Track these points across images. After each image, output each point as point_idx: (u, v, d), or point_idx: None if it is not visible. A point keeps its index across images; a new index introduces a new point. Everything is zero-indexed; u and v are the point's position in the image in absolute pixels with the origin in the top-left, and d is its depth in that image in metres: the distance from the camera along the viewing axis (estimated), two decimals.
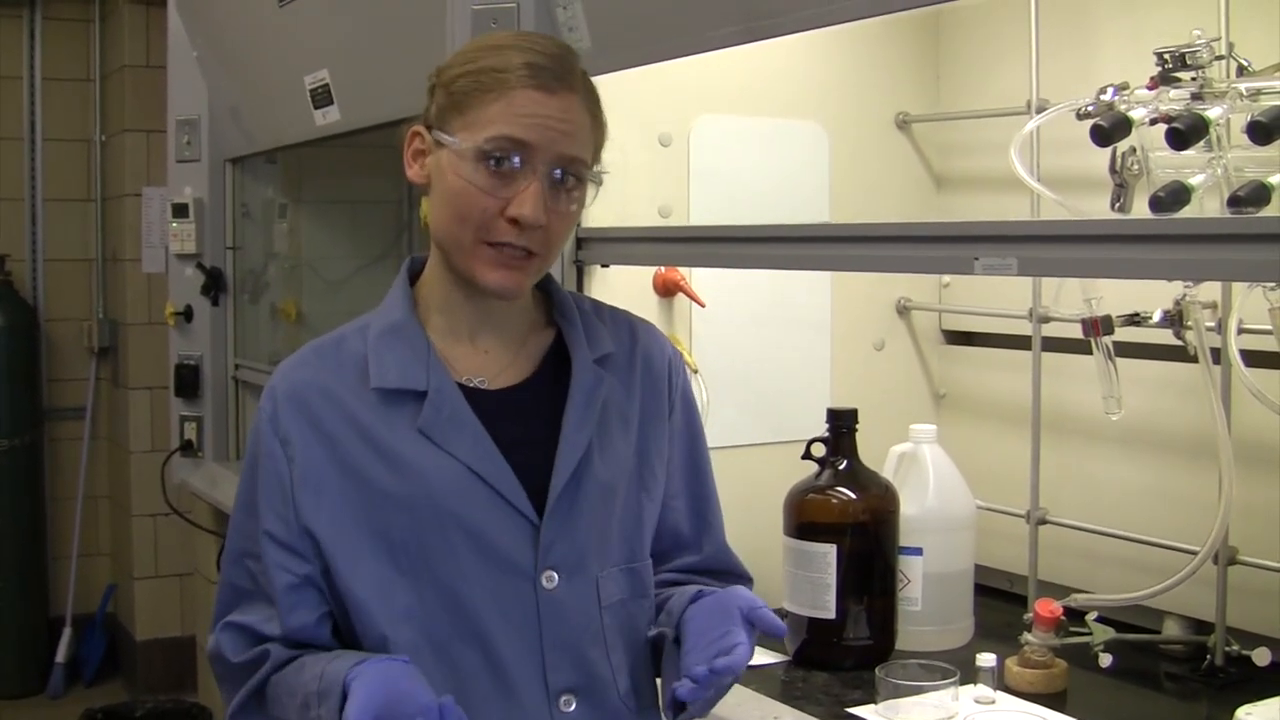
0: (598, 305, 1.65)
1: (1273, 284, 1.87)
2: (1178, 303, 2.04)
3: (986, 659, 1.98)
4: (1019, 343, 2.46)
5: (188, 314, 4.01)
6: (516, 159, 1.43)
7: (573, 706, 1.48)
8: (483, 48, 1.50)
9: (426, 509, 1.45)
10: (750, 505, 2.29)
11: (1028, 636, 2.11)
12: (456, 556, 1.44)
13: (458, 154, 1.45)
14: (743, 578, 1.66)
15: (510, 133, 1.43)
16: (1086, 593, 2.18)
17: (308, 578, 1.46)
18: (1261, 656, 2.02)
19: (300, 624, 1.47)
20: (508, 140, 1.43)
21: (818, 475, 2.20)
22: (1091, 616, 2.12)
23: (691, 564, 1.62)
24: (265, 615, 1.47)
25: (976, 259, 1.63)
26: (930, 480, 2.29)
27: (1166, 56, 1.83)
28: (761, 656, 2.20)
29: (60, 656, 5.28)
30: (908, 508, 2.23)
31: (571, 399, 1.52)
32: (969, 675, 1.97)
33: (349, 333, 1.54)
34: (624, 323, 1.64)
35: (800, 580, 2.16)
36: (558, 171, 1.45)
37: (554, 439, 1.50)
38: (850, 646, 2.14)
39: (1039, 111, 2.19)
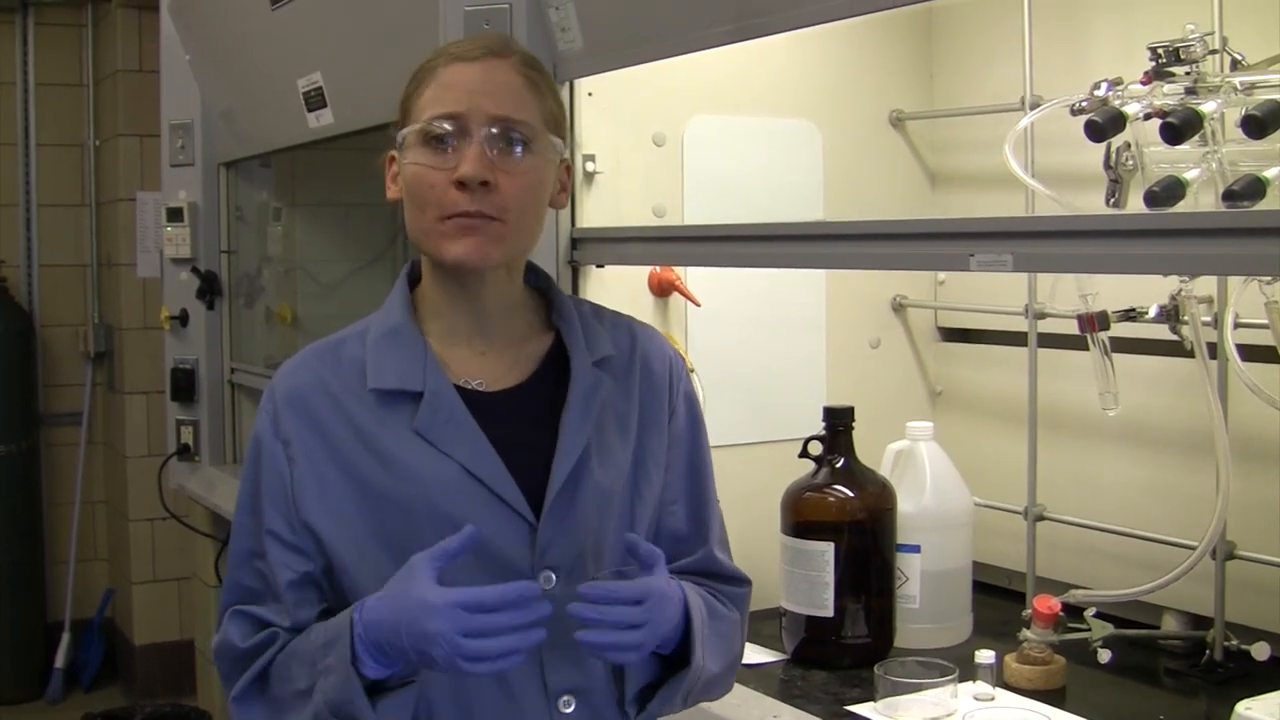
0: (598, 309, 1.64)
1: (1268, 278, 1.87)
2: (1173, 298, 2.04)
3: (985, 656, 1.99)
4: (1015, 339, 2.46)
5: (183, 318, 4.01)
6: (451, 129, 1.46)
7: (572, 708, 1.48)
8: (424, 58, 1.55)
9: (423, 510, 1.45)
10: (747, 504, 2.29)
11: (1026, 633, 2.11)
12: None
13: (406, 145, 1.49)
14: (735, 579, 1.64)
15: (440, 108, 1.47)
16: (1085, 589, 2.18)
17: (308, 575, 1.48)
18: (1260, 651, 2.02)
19: (305, 618, 1.48)
20: (439, 115, 1.47)
21: (815, 474, 2.20)
22: (1090, 612, 2.12)
23: (683, 566, 1.61)
24: (275, 610, 1.49)
25: (972, 256, 1.63)
26: (927, 478, 2.29)
27: (1160, 51, 1.83)
28: (760, 655, 2.20)
29: (59, 662, 5.27)
30: (905, 505, 2.23)
31: (570, 401, 1.52)
32: (968, 672, 1.97)
33: (348, 336, 1.56)
34: (624, 326, 1.63)
35: (798, 579, 2.16)
36: (495, 131, 1.46)
37: (552, 441, 1.49)
38: (848, 645, 2.14)
39: (1033, 108, 2.19)
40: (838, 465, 2.19)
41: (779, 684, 2.09)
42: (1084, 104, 1.91)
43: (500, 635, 1.32)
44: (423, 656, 1.35)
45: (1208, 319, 2.02)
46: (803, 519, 2.18)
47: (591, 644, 1.37)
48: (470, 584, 1.39)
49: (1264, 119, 1.58)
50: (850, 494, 2.17)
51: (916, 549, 2.24)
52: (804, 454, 2.21)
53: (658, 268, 2.44)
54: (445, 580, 1.39)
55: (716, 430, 2.37)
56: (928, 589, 2.24)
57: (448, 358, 1.52)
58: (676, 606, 1.46)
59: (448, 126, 1.46)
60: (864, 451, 2.23)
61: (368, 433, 1.48)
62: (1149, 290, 2.08)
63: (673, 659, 1.50)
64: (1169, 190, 1.69)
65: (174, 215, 3.98)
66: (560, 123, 1.55)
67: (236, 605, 1.51)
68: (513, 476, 1.47)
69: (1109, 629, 2.10)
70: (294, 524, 1.48)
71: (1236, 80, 1.78)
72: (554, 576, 1.46)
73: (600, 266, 2.38)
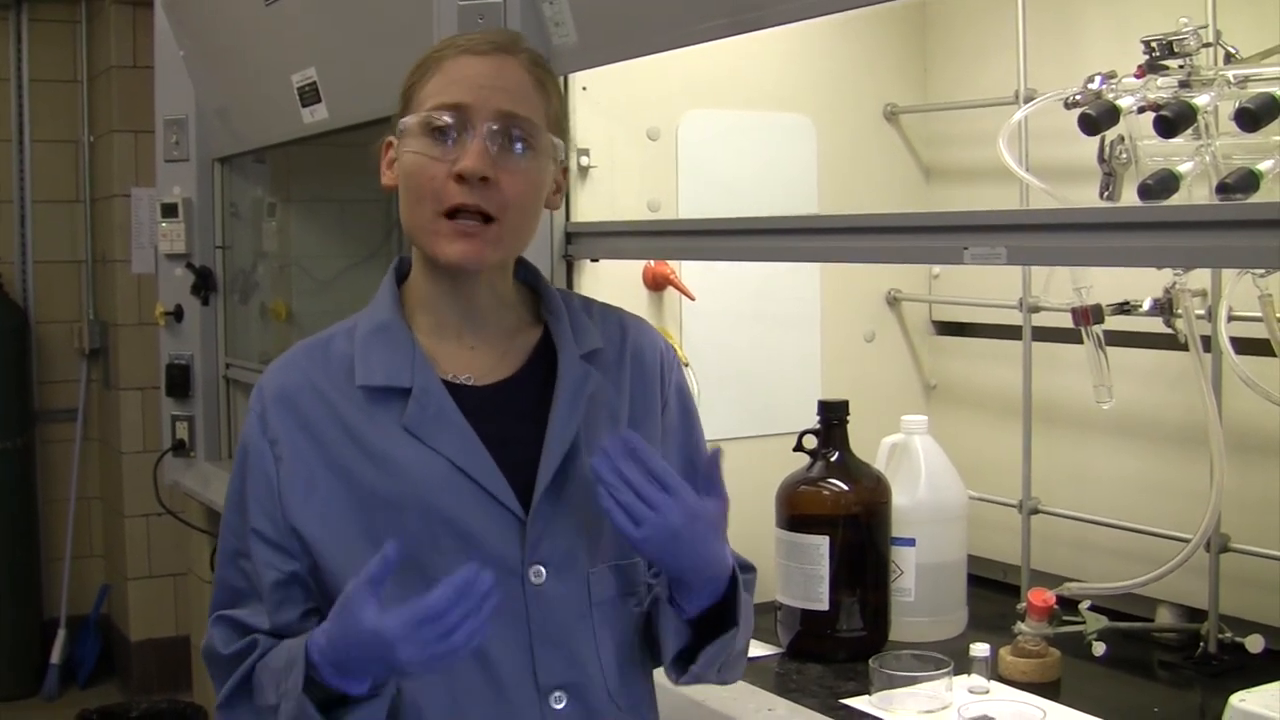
0: (588, 302, 1.64)
1: (1262, 271, 1.87)
2: (1167, 291, 2.04)
3: (980, 649, 1.99)
4: (1009, 333, 2.46)
5: (178, 314, 4.01)
6: (455, 120, 1.45)
7: (563, 704, 1.47)
8: (430, 48, 1.54)
9: (413, 506, 1.45)
10: (742, 498, 2.27)
11: (1021, 626, 2.11)
12: (444, 553, 1.43)
13: (407, 133, 1.48)
14: (741, 566, 1.63)
15: (445, 99, 1.46)
16: (1079, 582, 2.19)
17: (294, 575, 1.48)
18: (1254, 643, 2.03)
19: (286, 620, 1.48)
20: (444, 105, 1.46)
21: (809, 467, 2.20)
22: (1084, 605, 2.12)
23: None
24: (257, 610, 1.49)
25: (966, 249, 1.63)
26: (922, 471, 2.29)
27: (1154, 44, 1.83)
28: (755, 649, 2.20)
29: (55, 658, 5.28)
30: (900, 499, 2.23)
31: (557, 394, 1.51)
32: (963, 665, 1.97)
33: (337, 333, 1.55)
34: (614, 319, 1.63)
35: (793, 572, 2.16)
36: (499, 127, 1.45)
37: (541, 435, 1.49)
38: (844, 638, 2.14)
39: (1027, 101, 2.19)
40: (832, 459, 2.19)
41: (774, 677, 2.09)
42: (1078, 97, 1.91)
43: (460, 629, 1.31)
44: (397, 674, 1.37)
45: (1202, 312, 2.02)
46: (797, 513, 2.18)
47: (603, 508, 1.39)
48: None
49: (1257, 112, 1.58)
50: (845, 488, 2.17)
51: (911, 542, 2.24)
52: (799, 448, 2.21)
53: (652, 262, 2.44)
54: (435, 578, 1.36)
55: (711, 424, 2.38)
56: (923, 582, 2.24)
57: (436, 352, 1.52)
58: (718, 561, 1.47)
59: (450, 118, 1.45)
60: (859, 445, 2.23)
61: (357, 430, 1.47)
62: (1143, 283, 2.08)
63: (702, 625, 1.49)
64: (1162, 183, 1.69)
65: (169, 211, 3.97)
66: (562, 124, 1.55)
67: (222, 608, 1.52)
68: (503, 471, 1.47)
69: (1103, 622, 2.11)
70: (279, 524, 1.48)
71: (1230, 73, 1.78)
72: (544, 571, 1.46)
73: (594, 261, 2.38)
